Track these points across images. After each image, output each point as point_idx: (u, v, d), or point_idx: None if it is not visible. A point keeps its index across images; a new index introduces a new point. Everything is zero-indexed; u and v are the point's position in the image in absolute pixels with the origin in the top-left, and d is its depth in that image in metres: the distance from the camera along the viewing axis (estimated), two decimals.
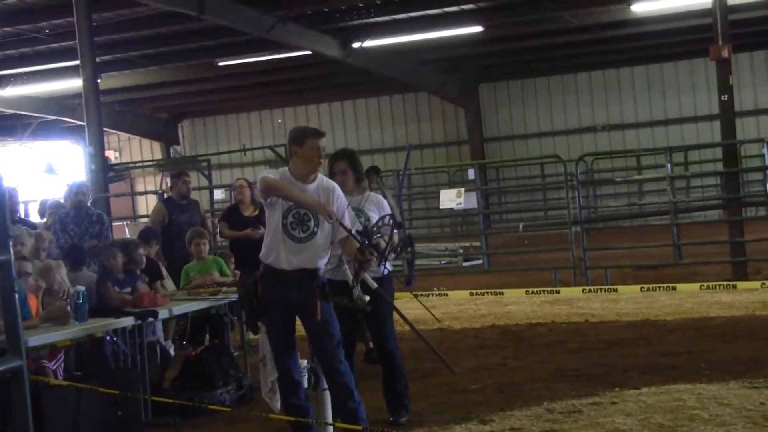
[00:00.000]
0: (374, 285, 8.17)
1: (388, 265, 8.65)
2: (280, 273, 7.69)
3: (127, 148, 41.66)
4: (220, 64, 28.64)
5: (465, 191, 20.94)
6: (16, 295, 4.38)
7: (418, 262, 21.01)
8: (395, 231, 8.15)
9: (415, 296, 15.43)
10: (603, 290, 16.76)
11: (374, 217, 8.38)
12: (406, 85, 33.51)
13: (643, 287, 16.50)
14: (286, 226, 7.67)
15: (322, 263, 7.84)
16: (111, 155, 35.90)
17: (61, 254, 12.83)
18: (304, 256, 7.64)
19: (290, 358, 7.90)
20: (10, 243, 4.33)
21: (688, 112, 33.36)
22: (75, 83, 23.50)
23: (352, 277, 7.81)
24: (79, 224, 13.22)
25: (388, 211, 8.27)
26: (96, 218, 13.52)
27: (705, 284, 16.28)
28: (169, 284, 11.98)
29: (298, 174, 7.76)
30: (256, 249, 13.43)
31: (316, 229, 7.69)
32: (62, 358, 9.41)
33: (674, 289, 16.18)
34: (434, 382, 10.41)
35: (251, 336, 10.00)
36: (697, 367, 10.04)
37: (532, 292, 17.13)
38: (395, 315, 8.66)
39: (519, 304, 16.18)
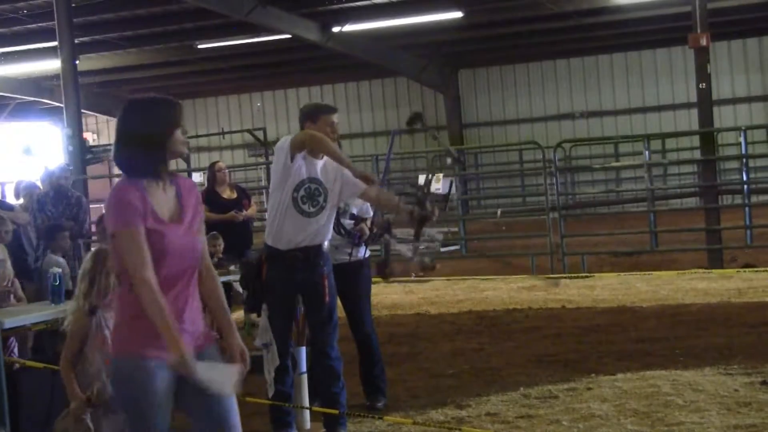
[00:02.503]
0: (440, 237, 8.19)
1: (365, 250, 8.67)
2: (284, 254, 7.59)
3: (105, 130, 41.45)
4: (200, 46, 28.53)
5: (443, 176, 20.92)
6: None
7: (396, 247, 21.04)
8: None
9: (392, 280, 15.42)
10: (580, 277, 16.81)
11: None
12: (385, 70, 33.47)
13: (620, 274, 16.55)
14: (296, 200, 7.52)
15: (325, 240, 7.75)
16: (89, 137, 35.72)
17: (38, 234, 12.85)
18: (309, 231, 7.51)
19: (289, 343, 7.86)
20: None
21: (666, 100, 33.41)
22: (53, 64, 23.39)
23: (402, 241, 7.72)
24: (57, 205, 13.35)
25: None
26: (75, 201, 13.66)
27: (681, 271, 16.34)
28: None
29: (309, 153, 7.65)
30: (237, 231, 13.48)
31: (324, 204, 7.60)
32: (14, 343, 9.39)
33: (650, 276, 16.23)
34: (411, 366, 10.43)
35: (254, 317, 9.95)
36: (673, 353, 10.09)
37: (510, 278, 17.16)
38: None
39: (496, 290, 16.19)
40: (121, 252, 4.84)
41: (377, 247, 9.03)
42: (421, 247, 7.65)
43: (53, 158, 24.88)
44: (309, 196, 7.55)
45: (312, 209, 7.54)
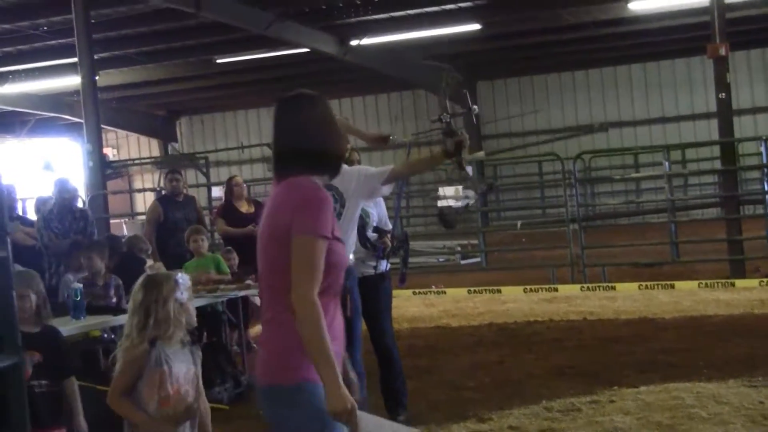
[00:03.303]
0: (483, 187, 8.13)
1: (387, 263, 8.64)
2: None
3: (125, 145, 41.62)
4: (218, 61, 28.59)
5: (463, 189, 20.89)
6: (14, 292, 4.36)
7: (416, 259, 21.04)
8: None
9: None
10: (601, 288, 16.74)
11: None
12: (403, 83, 33.46)
13: (641, 285, 16.47)
14: None
15: (348, 254, 7.69)
16: (109, 152, 35.85)
17: (47, 251, 12.88)
18: None
19: None
20: (8, 240, 4.30)
21: (685, 110, 33.34)
22: (73, 80, 23.46)
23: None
24: (62, 221, 13.16)
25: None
26: (79, 215, 13.49)
27: (703, 282, 16.26)
28: None
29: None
30: (255, 246, 13.44)
31: (341, 210, 7.56)
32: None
33: (672, 287, 16.16)
34: (432, 379, 10.40)
35: None
36: (696, 365, 10.03)
37: (530, 290, 17.11)
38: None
39: (517, 301, 16.16)
40: (297, 263, 4.22)
41: (396, 260, 9.01)
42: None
43: (71, 174, 24.93)
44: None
45: None
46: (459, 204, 8.07)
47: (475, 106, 8.23)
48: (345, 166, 7.70)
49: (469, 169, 7.81)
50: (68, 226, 13.12)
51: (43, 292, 7.06)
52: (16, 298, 6.56)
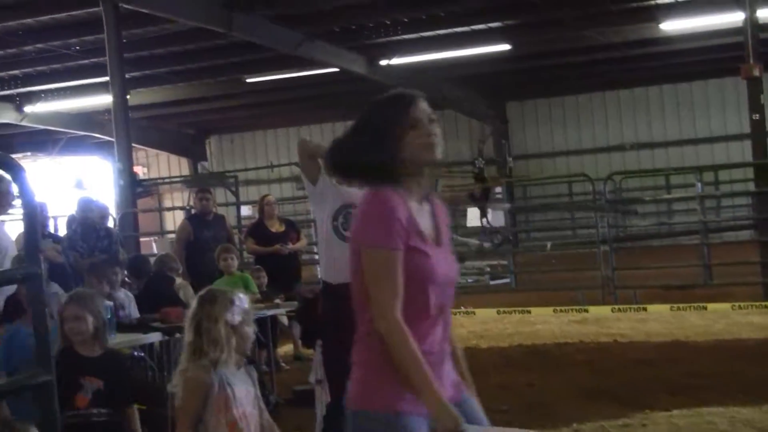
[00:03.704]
0: (506, 206, 8.12)
1: None
2: (336, 288, 7.54)
3: (155, 163, 41.78)
4: (248, 80, 28.70)
5: (492, 210, 20.87)
6: (47, 309, 4.36)
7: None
8: None
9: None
10: (632, 309, 16.65)
11: None
12: (432, 103, 33.25)
13: (673, 307, 16.37)
14: (337, 228, 7.46)
15: None
16: (139, 171, 35.93)
17: (71, 271, 12.87)
18: None
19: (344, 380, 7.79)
20: (41, 257, 4.31)
21: (718, 131, 33.21)
22: (104, 99, 23.59)
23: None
24: (87, 240, 13.13)
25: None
26: (104, 233, 13.45)
27: (736, 304, 16.14)
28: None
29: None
30: (284, 265, 13.44)
31: None
32: None
33: (705, 309, 16.05)
34: None
35: (302, 350, 9.94)
36: (729, 389, 9.94)
37: (560, 311, 17.04)
38: None
39: (546, 323, 16.08)
40: (368, 277, 4.06)
41: None
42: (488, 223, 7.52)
43: (101, 192, 25.04)
44: (350, 221, 7.53)
45: None
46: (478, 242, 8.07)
47: (511, 158, 8.30)
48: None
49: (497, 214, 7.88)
50: (93, 245, 13.08)
51: (103, 314, 6.81)
52: (72, 319, 6.56)
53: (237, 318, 5.45)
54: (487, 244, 8.12)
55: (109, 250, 13.19)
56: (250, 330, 5.56)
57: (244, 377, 5.53)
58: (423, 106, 4.28)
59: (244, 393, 5.46)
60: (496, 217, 21.40)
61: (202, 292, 5.66)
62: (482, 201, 7.25)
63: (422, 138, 4.14)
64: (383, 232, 3.98)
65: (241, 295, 5.62)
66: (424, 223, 4.12)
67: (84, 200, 13.78)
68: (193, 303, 5.58)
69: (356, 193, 7.55)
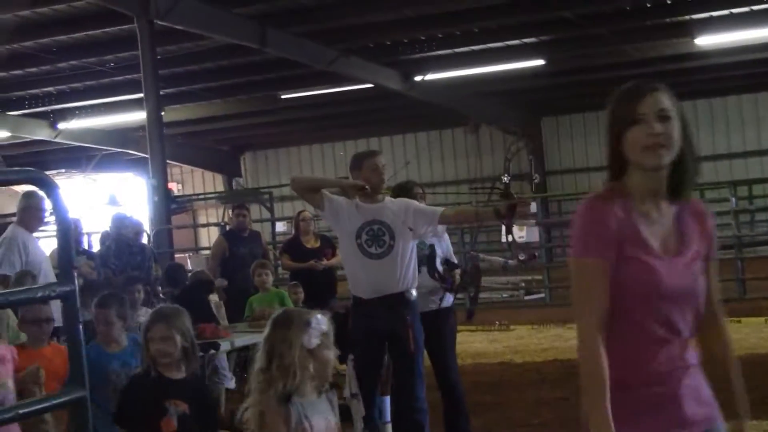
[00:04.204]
0: (531, 222, 8.13)
1: (452, 298, 8.62)
2: (367, 303, 7.58)
3: (190, 180, 41.94)
4: (283, 96, 28.78)
5: (527, 227, 20.85)
6: (80, 326, 4.38)
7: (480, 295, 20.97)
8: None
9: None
10: None
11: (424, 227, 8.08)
12: (468, 118, 33.44)
13: None
14: (362, 245, 7.54)
15: (408, 285, 7.69)
16: (174, 187, 36.13)
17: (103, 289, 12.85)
18: (384, 275, 7.50)
19: (375, 393, 7.83)
20: (75, 274, 4.33)
21: (752, 146, 33.07)
22: (139, 116, 23.73)
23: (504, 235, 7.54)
24: (120, 257, 13.07)
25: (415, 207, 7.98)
26: (138, 249, 13.39)
27: None
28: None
29: (362, 198, 7.69)
30: (320, 281, 13.46)
31: (392, 243, 7.57)
32: None
33: (739, 322, 15.96)
34: (496, 416, 10.34)
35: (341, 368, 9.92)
36: (764, 403, 9.88)
37: None
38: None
39: None
40: (572, 291, 3.77)
41: (461, 296, 8.99)
42: (515, 240, 7.52)
43: (135, 208, 25.13)
44: (373, 238, 7.58)
45: (379, 250, 7.55)
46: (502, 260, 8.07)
47: (537, 175, 8.33)
48: (390, 198, 7.78)
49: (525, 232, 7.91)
50: (125, 262, 13.01)
51: (192, 334, 6.40)
52: (159, 340, 6.21)
53: (314, 341, 4.97)
54: (512, 262, 8.08)
55: (141, 267, 13.17)
56: (330, 354, 5.08)
57: (323, 406, 5.08)
58: (653, 99, 3.71)
59: (323, 425, 5.01)
60: (530, 233, 21.37)
61: (276, 314, 5.21)
62: (508, 218, 7.22)
63: (642, 136, 3.67)
64: (583, 240, 3.71)
65: (319, 316, 5.13)
66: (654, 230, 3.72)
67: (118, 216, 13.76)
68: (267, 326, 5.10)
69: (380, 209, 7.62)
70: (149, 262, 13.46)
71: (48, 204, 9.68)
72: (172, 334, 6.15)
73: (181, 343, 6.18)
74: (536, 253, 8.51)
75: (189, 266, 24.53)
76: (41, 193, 9.41)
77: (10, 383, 6.44)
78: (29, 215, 10.09)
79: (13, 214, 11.12)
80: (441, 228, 8.16)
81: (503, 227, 7.42)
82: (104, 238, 16.51)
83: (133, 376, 6.58)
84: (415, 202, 7.85)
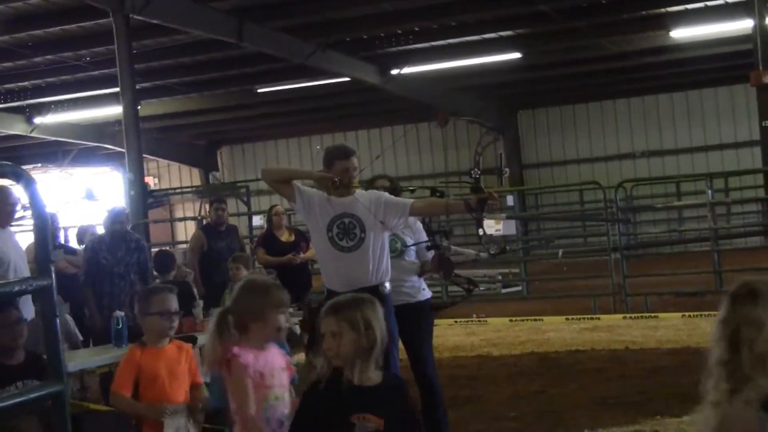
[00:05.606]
0: (502, 216, 8.17)
1: (429, 291, 8.64)
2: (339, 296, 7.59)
3: (166, 174, 41.90)
4: (259, 90, 28.79)
5: (504, 218, 20.89)
6: (57, 320, 4.39)
7: (456, 288, 21.03)
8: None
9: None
10: (643, 317, 16.65)
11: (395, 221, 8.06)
12: (438, 111, 33.49)
13: (684, 314, 16.35)
14: (333, 239, 7.55)
15: (382, 278, 7.69)
16: (150, 181, 36.07)
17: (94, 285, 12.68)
18: (356, 268, 7.46)
19: None
20: (52, 268, 4.33)
21: (728, 139, 33.23)
22: (115, 110, 23.68)
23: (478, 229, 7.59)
24: (114, 252, 12.30)
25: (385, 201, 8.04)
26: (135, 245, 12.57)
27: None
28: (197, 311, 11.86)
29: (333, 192, 7.68)
30: (295, 274, 13.48)
31: (363, 236, 7.58)
32: None
33: (716, 316, 16.00)
34: (473, 409, 10.37)
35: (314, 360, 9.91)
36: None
37: (572, 319, 17.03)
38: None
39: (558, 331, 16.08)
40: None
41: (438, 290, 9.01)
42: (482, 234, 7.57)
43: (114, 203, 25.09)
44: (344, 231, 7.57)
45: (350, 243, 7.55)
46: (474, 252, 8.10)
47: (507, 169, 8.36)
48: (360, 191, 7.78)
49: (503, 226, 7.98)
50: (120, 258, 12.28)
51: (381, 326, 5.03)
52: (330, 336, 4.93)
53: None
54: (483, 254, 8.12)
55: (138, 263, 12.64)
56: None
57: None
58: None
59: None
60: (507, 227, 21.41)
61: (736, 287, 3.95)
62: (479, 211, 7.27)
63: None
64: None
65: None
66: None
67: (116, 211, 13.21)
68: (724, 303, 3.91)
69: (351, 202, 7.63)
70: (145, 258, 12.95)
71: (20, 199, 9.56)
72: (342, 329, 4.92)
73: (355, 340, 4.90)
74: (506, 247, 8.48)
75: None
76: (11, 187, 9.37)
77: (286, 396, 5.52)
78: None
79: None
80: (412, 220, 8.18)
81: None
82: (81, 232, 16.47)
83: (309, 384, 5.19)
84: (386, 195, 7.84)
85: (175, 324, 6.96)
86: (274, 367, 5.49)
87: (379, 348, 4.89)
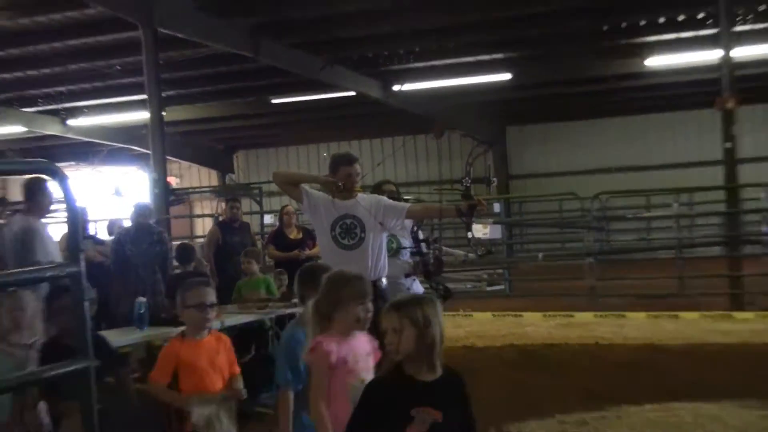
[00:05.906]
0: (489, 221, 8.23)
1: (420, 286, 8.70)
2: None
3: (187, 174, 41.87)
4: (273, 101, 28.80)
5: (491, 223, 20.95)
6: (87, 303, 4.43)
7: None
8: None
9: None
10: (613, 316, 16.70)
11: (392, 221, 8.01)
12: (434, 124, 33.50)
13: (649, 315, 16.42)
14: (336, 238, 7.59)
15: (379, 274, 7.73)
16: (172, 181, 36.01)
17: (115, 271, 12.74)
18: (356, 264, 7.37)
19: None
20: (82, 256, 4.38)
21: (694, 157, 33.19)
22: (142, 115, 23.67)
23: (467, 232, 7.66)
24: (138, 244, 12.47)
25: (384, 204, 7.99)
26: (157, 238, 12.69)
27: (706, 313, 16.20)
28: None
29: (337, 195, 7.73)
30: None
31: (363, 235, 7.62)
32: None
33: (677, 317, 16.11)
34: None
35: None
36: (696, 387, 10.02)
37: (549, 316, 17.08)
38: None
39: (536, 326, 16.13)
40: None
41: (426, 285, 9.05)
42: (472, 236, 7.64)
43: (140, 199, 25.12)
44: (346, 230, 7.63)
45: (351, 242, 7.60)
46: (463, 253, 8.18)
47: (494, 179, 8.46)
48: (362, 195, 7.85)
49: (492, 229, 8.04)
50: (144, 249, 12.44)
51: (439, 321, 4.84)
52: (392, 332, 4.71)
53: None
54: (471, 255, 8.19)
55: (160, 255, 12.65)
56: None
57: None
58: None
59: None
60: (494, 231, 21.48)
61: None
62: (468, 216, 7.35)
63: None
64: None
65: None
66: None
67: (141, 205, 13.15)
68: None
69: (353, 205, 7.69)
70: (167, 251, 12.96)
71: (54, 193, 9.60)
72: (404, 325, 4.70)
73: (416, 336, 4.70)
74: (492, 249, 8.57)
75: None
76: (47, 181, 9.40)
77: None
78: (36, 204, 9.68)
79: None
80: (408, 222, 8.24)
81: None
82: (111, 225, 16.51)
83: (373, 378, 5.18)
84: (385, 199, 7.90)
85: (211, 316, 6.86)
86: (359, 353, 5.47)
87: (438, 345, 4.76)
